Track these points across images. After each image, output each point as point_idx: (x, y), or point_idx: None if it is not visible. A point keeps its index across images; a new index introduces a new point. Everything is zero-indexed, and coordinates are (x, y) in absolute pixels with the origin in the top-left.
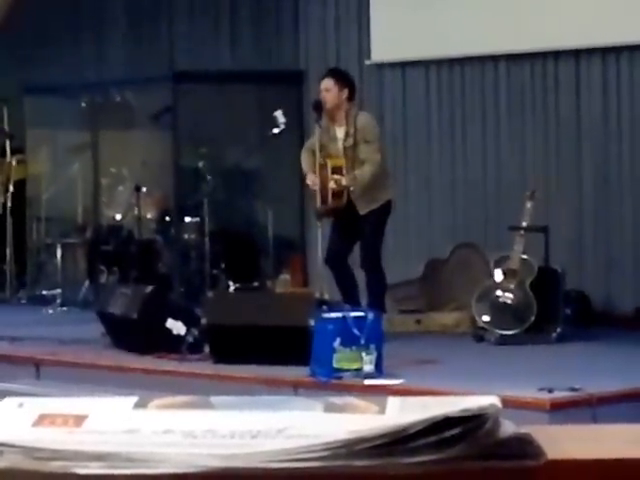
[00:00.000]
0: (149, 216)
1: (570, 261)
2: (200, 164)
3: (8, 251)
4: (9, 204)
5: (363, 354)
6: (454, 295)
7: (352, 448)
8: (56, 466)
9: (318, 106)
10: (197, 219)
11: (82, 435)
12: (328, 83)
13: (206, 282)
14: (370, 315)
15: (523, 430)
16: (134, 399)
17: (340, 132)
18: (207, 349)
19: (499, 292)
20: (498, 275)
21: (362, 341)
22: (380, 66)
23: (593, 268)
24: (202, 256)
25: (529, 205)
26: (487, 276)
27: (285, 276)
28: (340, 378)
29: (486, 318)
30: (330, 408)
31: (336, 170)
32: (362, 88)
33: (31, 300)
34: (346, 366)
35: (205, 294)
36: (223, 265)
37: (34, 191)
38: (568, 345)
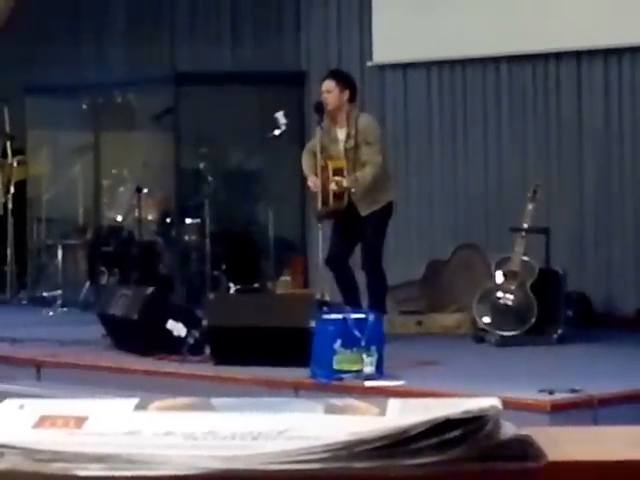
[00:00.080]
0: (150, 217)
1: (571, 262)
2: (201, 165)
3: (9, 252)
4: (10, 205)
5: (364, 355)
6: (455, 296)
7: (353, 450)
8: (57, 468)
9: (319, 107)
10: (198, 220)
11: (83, 437)
12: (329, 84)
13: (207, 283)
14: (371, 316)
15: (524, 432)
16: (135, 401)
17: (341, 134)
18: (208, 350)
19: (500, 293)
20: (499, 277)
21: (363, 342)
22: (382, 67)
23: (594, 270)
24: (203, 257)
25: (530, 207)
26: (488, 277)
27: (286, 277)
28: (341, 380)
29: (487, 319)
30: (331, 410)
31: (337, 172)
32: (363, 89)
33: (32, 301)
34: (347, 367)
35: (206, 295)
36: (224, 266)
37: (35, 192)
38: (569, 347)
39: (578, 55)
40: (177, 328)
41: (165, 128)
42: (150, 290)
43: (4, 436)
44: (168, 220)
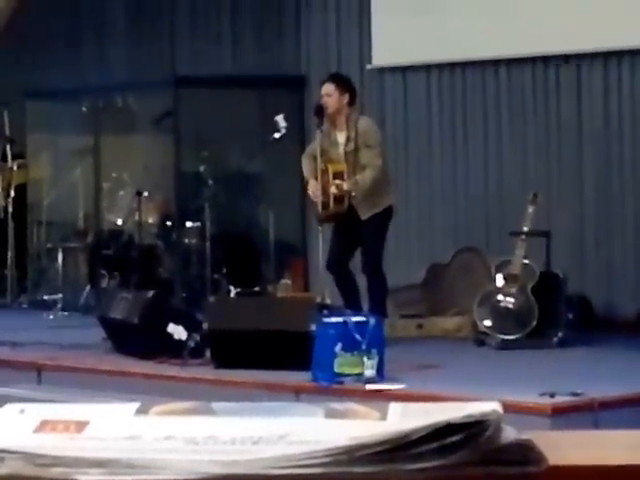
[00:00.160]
0: (150, 221)
1: (572, 266)
2: (201, 168)
3: (9, 256)
4: (10, 209)
5: (364, 359)
6: (455, 300)
7: (353, 454)
8: (57, 472)
9: (319, 111)
10: (198, 224)
11: (83, 441)
12: (329, 88)
13: (207, 287)
14: (371, 320)
15: (525, 436)
16: (135, 405)
17: (341, 137)
18: (208, 354)
19: (500, 297)
20: (499, 280)
21: (363, 346)
22: (381, 70)
23: (595, 273)
24: (203, 261)
25: (530, 210)
26: (489, 281)
27: (286, 281)
28: (341, 383)
29: (487, 323)
30: (331, 414)
31: (337, 175)
32: (363, 92)
33: (32, 305)
34: (347, 371)
35: (206, 299)
36: (224, 270)
37: (35, 196)
38: (570, 350)
39: (578, 58)
40: (177, 331)
41: (165, 131)
42: (150, 293)
43: (5, 441)
44: (168, 223)
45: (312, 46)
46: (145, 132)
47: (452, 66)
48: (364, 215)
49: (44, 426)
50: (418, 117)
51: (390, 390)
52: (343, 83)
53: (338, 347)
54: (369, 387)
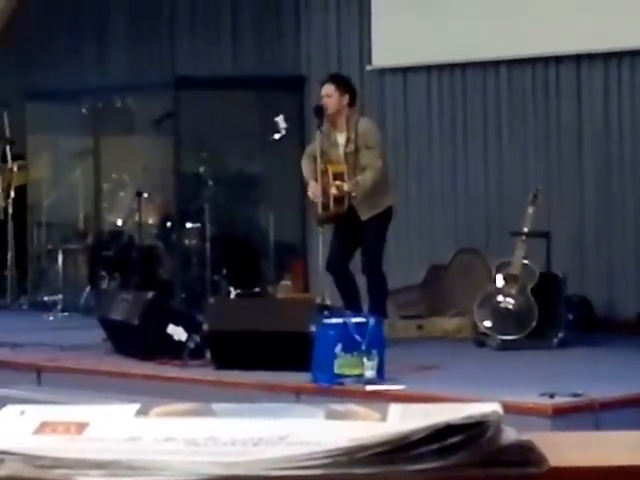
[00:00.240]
0: (150, 222)
1: (572, 266)
2: (201, 170)
3: (9, 257)
4: (10, 210)
5: (364, 360)
6: (455, 300)
7: (353, 456)
8: (57, 474)
9: (319, 112)
10: (198, 225)
11: (84, 443)
12: (329, 89)
13: (207, 288)
14: (371, 321)
15: (525, 437)
16: (136, 407)
17: (341, 138)
18: (208, 355)
19: (500, 297)
20: (499, 280)
21: (363, 347)
22: (381, 71)
23: (595, 273)
24: (203, 262)
25: (530, 210)
26: (489, 281)
27: (286, 282)
28: (341, 384)
29: (488, 323)
30: (331, 415)
31: (337, 176)
32: (363, 93)
33: (32, 306)
34: (347, 372)
35: (206, 300)
36: (224, 271)
37: (35, 197)
38: (570, 350)
39: (578, 59)
40: (178, 332)
41: (165, 132)
42: (151, 294)
43: (5, 442)
44: (168, 224)
45: (312, 46)
46: (145, 133)
47: (452, 67)
48: (364, 216)
49: (44, 427)
50: (418, 118)
51: (390, 391)
52: (343, 84)
53: (338, 348)
54: (369, 388)
